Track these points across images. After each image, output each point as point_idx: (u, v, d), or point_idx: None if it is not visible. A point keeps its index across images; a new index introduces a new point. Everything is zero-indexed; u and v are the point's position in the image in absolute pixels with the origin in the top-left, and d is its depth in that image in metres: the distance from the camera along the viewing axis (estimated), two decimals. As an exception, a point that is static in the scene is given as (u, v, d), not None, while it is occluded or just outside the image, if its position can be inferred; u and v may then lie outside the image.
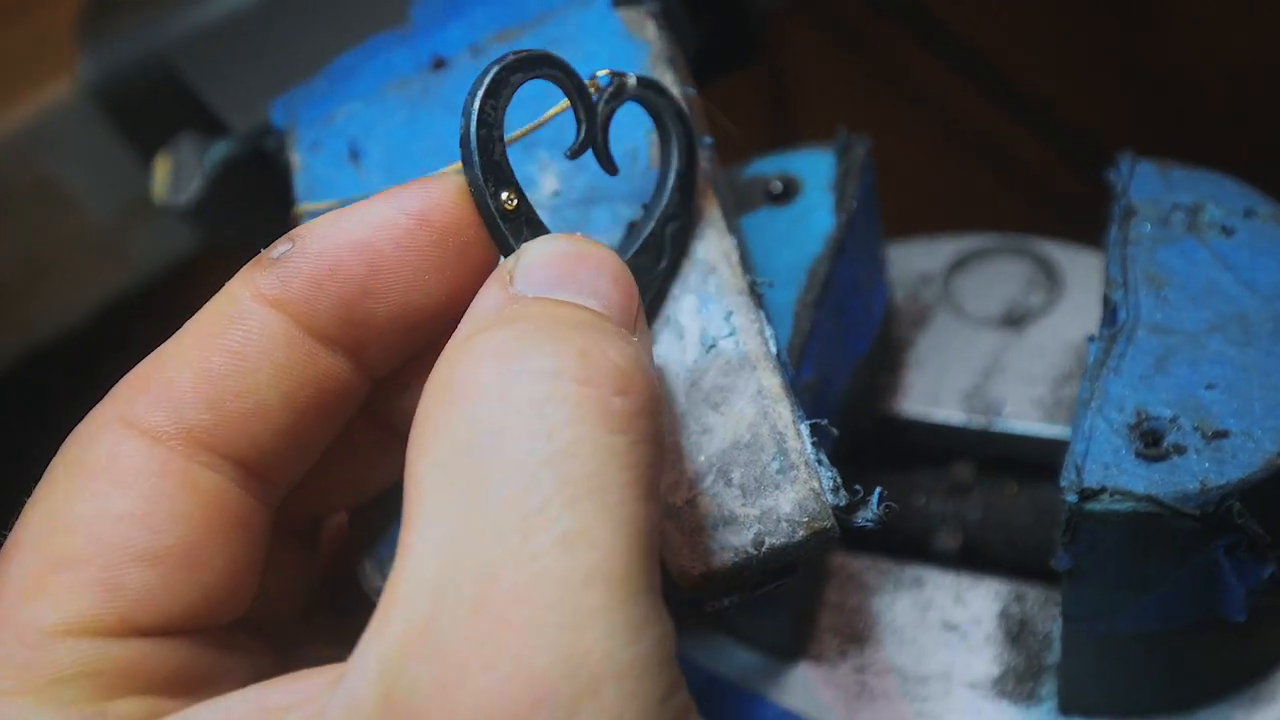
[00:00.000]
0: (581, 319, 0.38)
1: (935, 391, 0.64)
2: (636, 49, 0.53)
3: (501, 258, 0.42)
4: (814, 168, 0.58)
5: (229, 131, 0.65)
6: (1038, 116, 1.09)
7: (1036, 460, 0.62)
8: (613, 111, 0.46)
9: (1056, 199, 1.14)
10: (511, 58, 0.42)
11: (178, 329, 0.42)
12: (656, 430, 0.37)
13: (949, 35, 1.09)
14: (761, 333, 0.47)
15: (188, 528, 0.39)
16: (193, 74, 0.67)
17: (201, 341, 0.40)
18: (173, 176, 0.67)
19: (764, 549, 0.43)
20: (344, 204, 0.49)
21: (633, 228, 0.49)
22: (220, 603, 0.40)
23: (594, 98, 0.45)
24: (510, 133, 0.43)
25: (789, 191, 0.58)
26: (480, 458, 0.34)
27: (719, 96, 0.57)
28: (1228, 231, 0.52)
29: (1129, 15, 1.13)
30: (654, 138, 0.50)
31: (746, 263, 0.49)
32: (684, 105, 0.48)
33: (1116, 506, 0.45)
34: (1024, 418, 0.62)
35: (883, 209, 0.61)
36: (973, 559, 0.61)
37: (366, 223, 0.41)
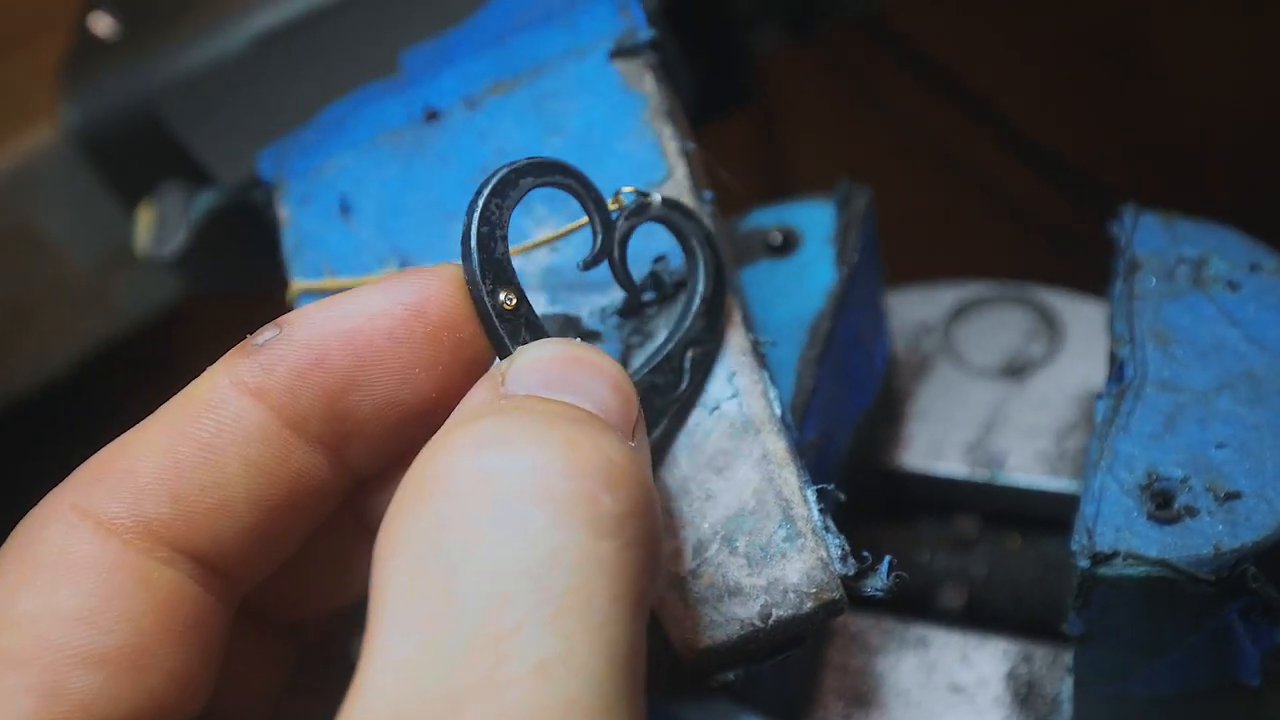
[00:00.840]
0: (574, 414, 0.36)
1: (938, 444, 0.63)
2: (634, 101, 0.52)
3: (497, 360, 0.40)
4: (814, 219, 0.57)
5: (214, 180, 0.64)
6: (1036, 155, 1.09)
7: (1041, 514, 0.61)
8: (633, 228, 0.45)
9: (1057, 238, 1.14)
10: (524, 162, 0.41)
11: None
12: (650, 533, 0.34)
13: (945, 74, 1.09)
14: (765, 394, 0.46)
15: (138, 628, 0.36)
16: (178, 122, 0.66)
17: (171, 429, 0.38)
18: (156, 227, 0.66)
19: (771, 621, 0.42)
20: (339, 281, 0.47)
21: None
22: (170, 705, 0.37)
23: (614, 214, 0.44)
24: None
25: (789, 244, 0.57)
26: (451, 564, 0.31)
27: (715, 138, 0.56)
28: (1233, 286, 0.51)
29: (1115, 65, 1.13)
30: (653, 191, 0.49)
31: (749, 321, 0.48)
32: (711, 228, 0.47)
33: (1129, 571, 0.44)
34: (1027, 470, 0.61)
35: (883, 251, 0.60)
36: (978, 616, 0.60)
37: (358, 312, 0.39)
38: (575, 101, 0.53)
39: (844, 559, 0.43)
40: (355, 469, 0.41)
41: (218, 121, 0.66)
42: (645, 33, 0.53)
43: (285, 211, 0.55)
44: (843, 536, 0.43)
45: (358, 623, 0.47)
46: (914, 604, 0.60)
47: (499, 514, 0.32)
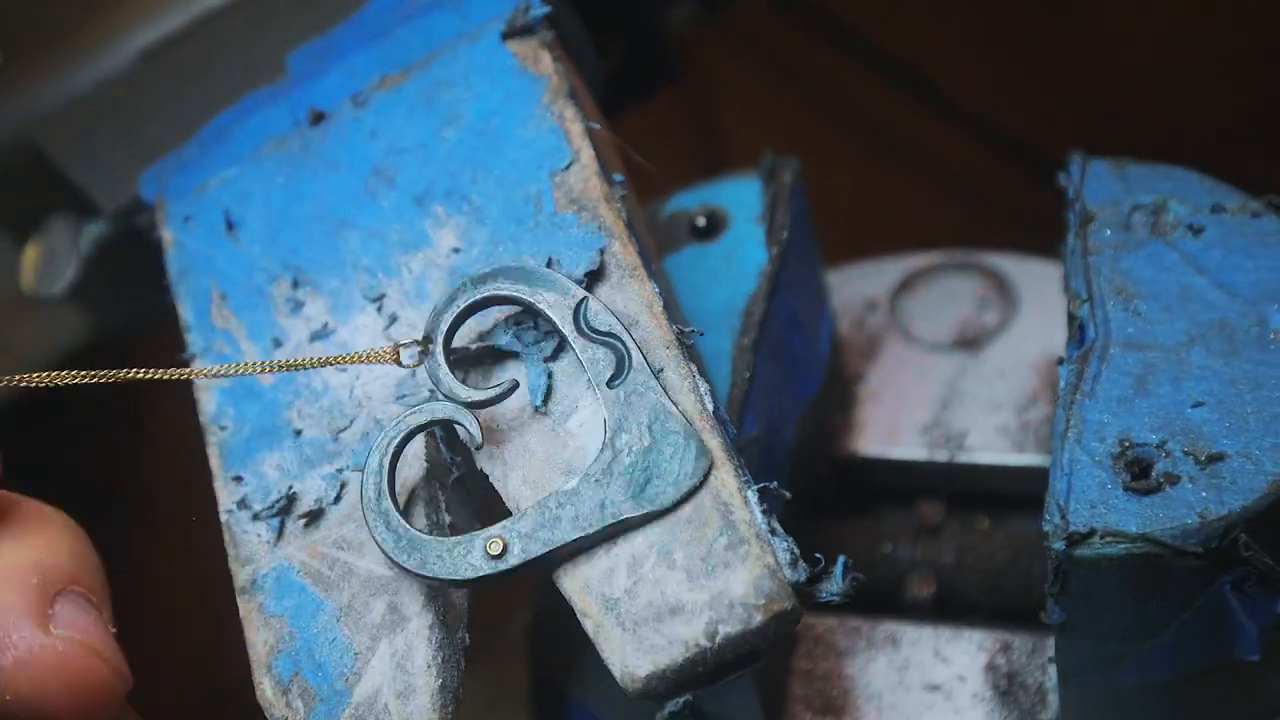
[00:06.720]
0: None
1: (893, 427, 0.61)
2: (532, 84, 0.48)
3: None
4: (740, 197, 0.55)
5: (100, 211, 0.59)
6: (971, 121, 1.06)
7: (1008, 492, 0.59)
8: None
9: (1001, 205, 1.11)
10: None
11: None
12: None
13: (868, 43, 1.06)
14: (695, 389, 0.42)
15: None
16: (59, 150, 0.62)
17: None
18: (43, 265, 0.62)
19: (718, 639, 0.38)
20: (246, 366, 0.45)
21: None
22: None
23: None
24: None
25: (715, 225, 0.55)
26: None
27: (642, 123, 0.53)
28: (1195, 231, 0.48)
29: (1043, 8, 1.11)
30: (558, 178, 0.46)
31: (672, 311, 0.44)
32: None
33: (1109, 550, 0.41)
34: (990, 448, 0.59)
35: (821, 233, 0.57)
36: (949, 606, 0.58)
37: None
38: (468, 89, 0.50)
39: (794, 564, 0.39)
40: None
41: (100, 146, 0.62)
42: (539, 9, 0.49)
43: (168, 234, 0.52)
44: (791, 539, 0.39)
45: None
46: (881, 598, 0.58)
47: None
